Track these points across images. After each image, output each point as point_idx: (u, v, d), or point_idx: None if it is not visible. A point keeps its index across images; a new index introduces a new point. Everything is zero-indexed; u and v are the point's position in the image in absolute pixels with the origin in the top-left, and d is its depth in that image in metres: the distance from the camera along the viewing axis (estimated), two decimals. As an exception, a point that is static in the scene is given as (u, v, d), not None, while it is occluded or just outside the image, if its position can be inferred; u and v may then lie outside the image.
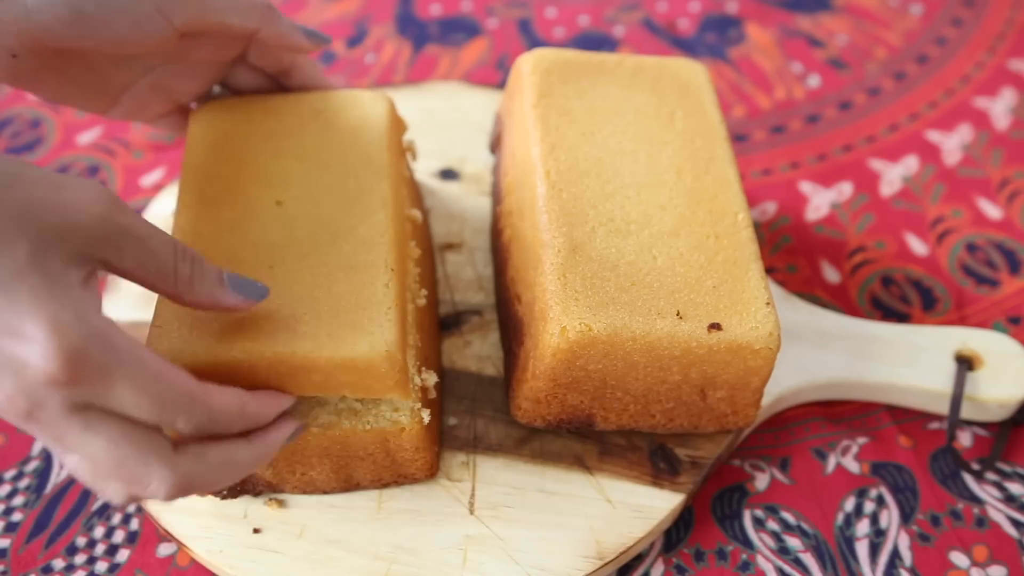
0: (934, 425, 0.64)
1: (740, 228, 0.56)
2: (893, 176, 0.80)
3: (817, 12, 0.95)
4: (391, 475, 0.56)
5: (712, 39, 0.93)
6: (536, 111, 0.61)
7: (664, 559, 0.58)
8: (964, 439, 0.64)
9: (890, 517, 0.60)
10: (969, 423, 0.65)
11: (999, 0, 0.95)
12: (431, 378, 0.54)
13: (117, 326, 0.39)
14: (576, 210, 0.56)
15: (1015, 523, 0.60)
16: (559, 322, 0.51)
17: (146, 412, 0.40)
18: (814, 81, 0.89)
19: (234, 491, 0.55)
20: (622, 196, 0.57)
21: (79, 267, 0.39)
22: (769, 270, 0.73)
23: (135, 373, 0.39)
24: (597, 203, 0.56)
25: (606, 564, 0.55)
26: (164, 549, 0.58)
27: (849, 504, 0.61)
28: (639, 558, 0.58)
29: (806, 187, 0.79)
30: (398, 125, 0.61)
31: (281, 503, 0.56)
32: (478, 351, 0.64)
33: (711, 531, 0.59)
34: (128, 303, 0.65)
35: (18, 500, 0.60)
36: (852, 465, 0.62)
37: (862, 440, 0.64)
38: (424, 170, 0.74)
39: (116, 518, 0.59)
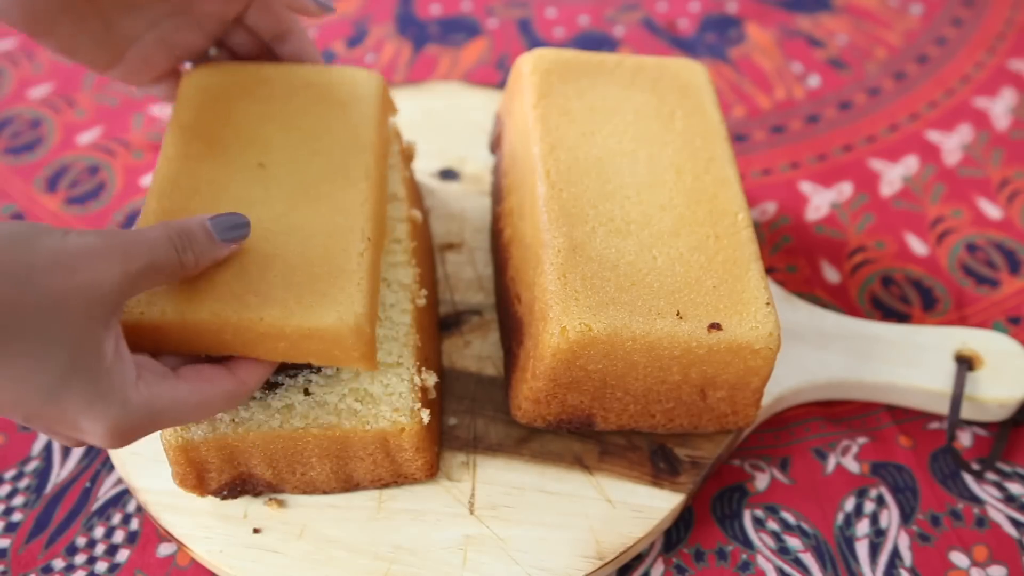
0: (934, 425, 0.64)
1: (740, 228, 0.56)
2: (893, 176, 0.80)
3: (817, 12, 0.95)
4: (391, 475, 0.56)
5: (712, 39, 0.93)
6: (536, 111, 0.61)
7: (664, 559, 0.58)
8: (964, 439, 0.64)
9: (890, 517, 0.60)
10: (969, 423, 0.65)
11: (999, 0, 0.95)
12: (431, 378, 0.54)
13: (155, 385, 0.45)
14: (576, 210, 0.56)
15: (1015, 523, 0.60)
16: (559, 322, 0.51)
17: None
18: (814, 81, 0.89)
19: (234, 491, 0.55)
20: (622, 196, 0.57)
21: (107, 331, 0.43)
22: (769, 270, 0.73)
23: (177, 420, 0.46)
24: (597, 203, 0.56)
25: (606, 564, 0.55)
26: (164, 549, 0.58)
27: (849, 504, 0.61)
28: (639, 558, 0.58)
29: (806, 187, 0.79)
30: (388, 105, 0.61)
31: (281, 503, 0.56)
32: (478, 351, 0.64)
33: (711, 531, 0.59)
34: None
35: (18, 500, 0.60)
36: (852, 465, 0.62)
37: (862, 440, 0.64)
38: (424, 170, 0.74)
39: (116, 518, 0.59)
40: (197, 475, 0.54)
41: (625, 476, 0.58)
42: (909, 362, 0.63)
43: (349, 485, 0.56)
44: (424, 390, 0.54)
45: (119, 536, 0.59)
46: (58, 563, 0.57)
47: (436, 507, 0.57)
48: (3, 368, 0.39)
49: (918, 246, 0.75)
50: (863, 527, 0.60)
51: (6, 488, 0.61)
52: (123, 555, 0.58)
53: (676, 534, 0.59)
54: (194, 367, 0.48)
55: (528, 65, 0.64)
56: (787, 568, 0.58)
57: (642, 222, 0.56)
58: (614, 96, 0.63)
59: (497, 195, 0.67)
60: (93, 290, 0.41)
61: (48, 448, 0.63)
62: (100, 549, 0.58)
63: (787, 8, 0.96)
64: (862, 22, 0.94)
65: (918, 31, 0.93)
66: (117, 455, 0.59)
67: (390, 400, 0.52)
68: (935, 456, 0.63)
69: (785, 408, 0.65)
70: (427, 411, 0.53)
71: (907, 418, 0.65)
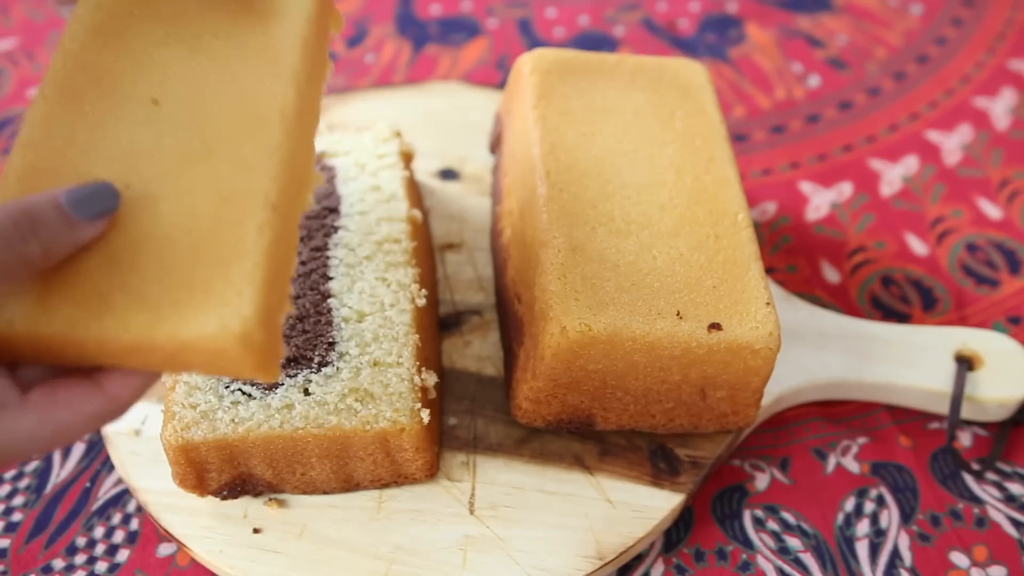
0: (934, 425, 0.64)
1: (740, 228, 0.56)
2: (893, 176, 0.80)
3: (817, 12, 0.95)
4: (391, 475, 0.56)
5: (712, 39, 0.93)
6: (536, 111, 0.61)
7: (664, 559, 0.58)
8: (964, 439, 0.64)
9: (890, 517, 0.60)
10: (969, 423, 0.65)
11: (999, 0, 0.95)
12: (431, 378, 0.54)
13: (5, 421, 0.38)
14: (576, 210, 0.56)
15: (1015, 523, 0.60)
16: (559, 322, 0.51)
17: None
18: (814, 81, 0.88)
19: (234, 491, 0.55)
20: (622, 196, 0.57)
21: None
22: (769, 270, 0.73)
23: (26, 455, 0.39)
24: (597, 203, 0.56)
25: (606, 564, 0.55)
26: (164, 549, 0.58)
27: (849, 504, 0.61)
28: (639, 558, 0.58)
29: (806, 187, 0.79)
30: (326, 16, 0.49)
31: (281, 503, 0.56)
32: (478, 351, 0.64)
33: (711, 531, 0.59)
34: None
35: (18, 500, 0.60)
36: (852, 465, 0.62)
37: (862, 440, 0.64)
38: (424, 170, 0.74)
39: (116, 518, 0.59)
40: (197, 475, 0.54)
41: (625, 476, 0.58)
42: (909, 362, 0.63)
43: (349, 485, 0.56)
44: (424, 390, 0.54)
45: (119, 536, 0.59)
46: (58, 563, 0.57)
47: (436, 507, 0.57)
48: None
49: (918, 246, 0.75)
50: (863, 527, 0.60)
51: (6, 488, 0.61)
52: (123, 555, 0.58)
53: (676, 534, 0.59)
54: (48, 390, 0.39)
55: (528, 65, 0.64)
56: (787, 568, 0.58)
57: (642, 222, 0.56)
58: (614, 96, 0.63)
59: (497, 195, 0.67)
60: None
61: (48, 448, 0.63)
62: (100, 549, 0.58)
63: (787, 8, 0.96)
64: (862, 22, 0.94)
65: (918, 31, 0.93)
66: (117, 455, 0.59)
67: (390, 400, 0.52)
68: (935, 456, 0.63)
69: (785, 408, 0.65)
70: (427, 411, 0.53)
71: (907, 418, 0.65)
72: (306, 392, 0.53)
